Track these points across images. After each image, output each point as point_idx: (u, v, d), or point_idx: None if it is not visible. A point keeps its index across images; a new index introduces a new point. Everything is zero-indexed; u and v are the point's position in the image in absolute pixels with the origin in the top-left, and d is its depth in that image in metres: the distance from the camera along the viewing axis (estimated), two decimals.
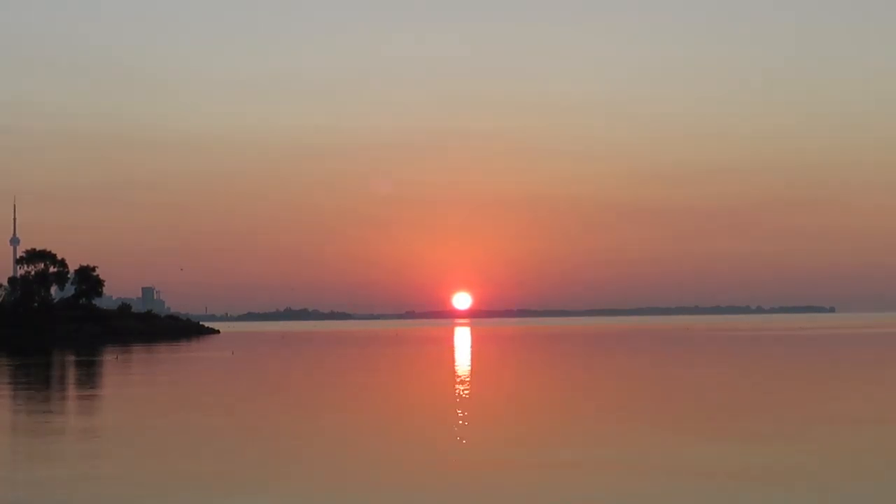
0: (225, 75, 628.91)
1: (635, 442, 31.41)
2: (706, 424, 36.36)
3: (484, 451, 30.04)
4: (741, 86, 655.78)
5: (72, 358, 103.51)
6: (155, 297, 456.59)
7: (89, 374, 75.07)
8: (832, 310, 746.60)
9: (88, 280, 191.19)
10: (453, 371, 73.24)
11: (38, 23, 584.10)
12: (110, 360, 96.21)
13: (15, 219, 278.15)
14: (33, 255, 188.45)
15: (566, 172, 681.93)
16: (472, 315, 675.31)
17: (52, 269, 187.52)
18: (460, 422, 38.58)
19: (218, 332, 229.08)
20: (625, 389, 53.90)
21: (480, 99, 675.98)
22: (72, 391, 58.59)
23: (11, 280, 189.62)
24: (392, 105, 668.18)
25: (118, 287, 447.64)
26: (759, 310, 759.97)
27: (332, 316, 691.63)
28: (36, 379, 70.69)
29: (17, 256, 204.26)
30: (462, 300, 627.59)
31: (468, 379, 64.31)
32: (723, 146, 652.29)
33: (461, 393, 52.46)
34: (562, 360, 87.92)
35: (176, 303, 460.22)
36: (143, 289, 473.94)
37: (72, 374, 77.51)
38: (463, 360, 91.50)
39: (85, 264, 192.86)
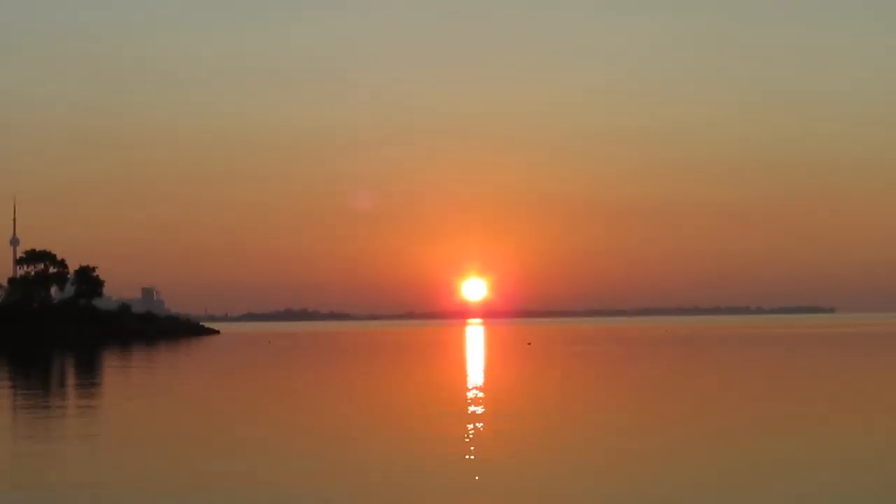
0: (223, 74, 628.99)
1: None
2: None
3: None
4: (741, 86, 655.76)
5: (72, 359, 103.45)
6: (155, 298, 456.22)
7: (94, 376, 74.95)
8: (832, 310, 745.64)
9: (88, 280, 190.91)
10: None
11: (38, 20, 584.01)
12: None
13: (15, 219, 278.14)
14: (33, 256, 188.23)
15: (567, 171, 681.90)
16: (473, 315, 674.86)
17: (51, 270, 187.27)
18: None
19: (218, 332, 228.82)
20: None
21: (481, 96, 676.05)
22: (72, 393, 58.52)
23: (11, 281, 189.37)
24: (392, 103, 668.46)
25: (118, 287, 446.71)
26: (759, 310, 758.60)
27: (332, 316, 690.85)
28: (35, 380, 70.60)
29: (17, 257, 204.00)
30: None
31: None
32: (723, 147, 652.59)
33: None
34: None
35: (176, 303, 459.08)
36: (143, 289, 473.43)
37: (72, 375, 77.41)
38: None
39: (85, 264, 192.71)
